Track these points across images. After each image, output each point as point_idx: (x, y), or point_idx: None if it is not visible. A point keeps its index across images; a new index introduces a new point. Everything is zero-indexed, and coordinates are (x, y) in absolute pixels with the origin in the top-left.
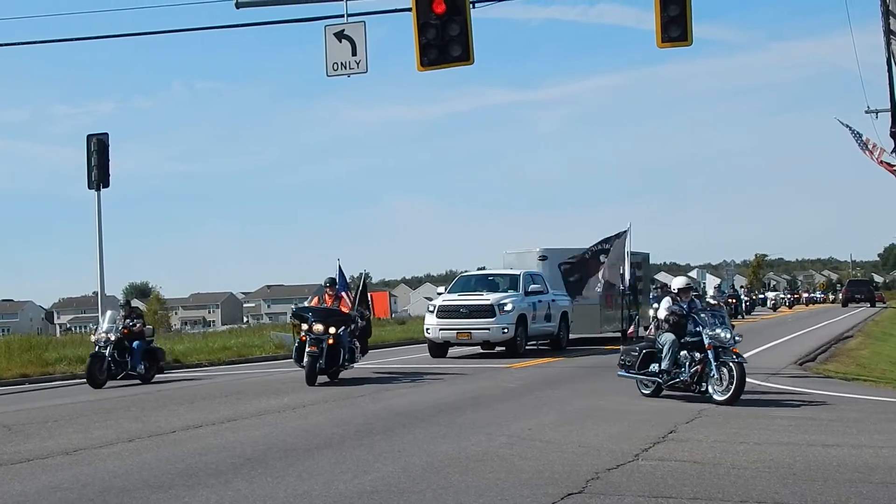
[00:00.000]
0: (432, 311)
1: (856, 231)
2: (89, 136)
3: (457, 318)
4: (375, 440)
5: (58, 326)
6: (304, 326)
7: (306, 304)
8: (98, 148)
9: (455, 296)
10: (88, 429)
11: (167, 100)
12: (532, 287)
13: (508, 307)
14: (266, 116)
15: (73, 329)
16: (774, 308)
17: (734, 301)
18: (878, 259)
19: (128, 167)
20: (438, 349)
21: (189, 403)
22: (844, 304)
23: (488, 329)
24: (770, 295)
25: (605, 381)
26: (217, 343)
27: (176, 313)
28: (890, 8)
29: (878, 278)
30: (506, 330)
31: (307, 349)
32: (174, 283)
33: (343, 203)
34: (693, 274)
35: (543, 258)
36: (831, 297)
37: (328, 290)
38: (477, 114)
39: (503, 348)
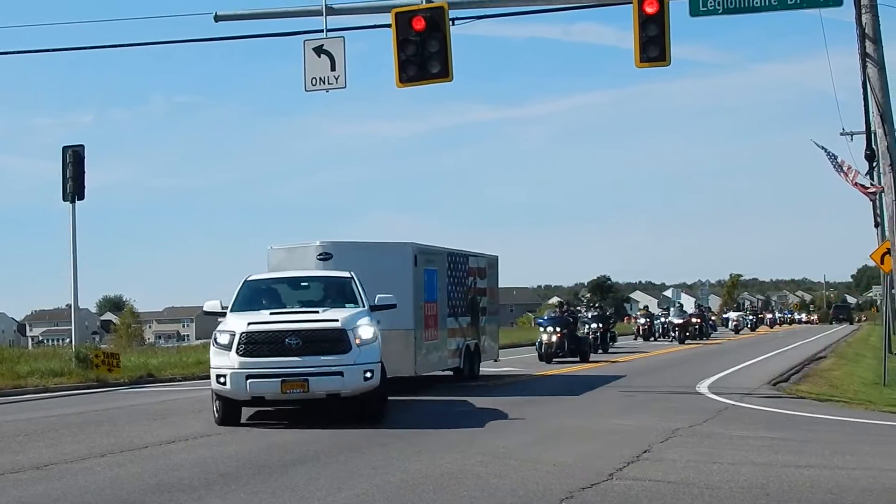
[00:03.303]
0: (226, 346)
1: (830, 252)
2: (65, 148)
3: (280, 354)
4: (350, 457)
5: (30, 339)
6: None
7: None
8: (73, 160)
9: (266, 314)
10: (60, 443)
11: (146, 113)
12: (381, 299)
13: (366, 333)
14: (245, 131)
15: (45, 342)
16: (737, 330)
17: (699, 321)
18: (850, 280)
19: (105, 179)
20: (233, 411)
21: (162, 419)
22: (830, 322)
23: (339, 374)
24: (732, 315)
25: (579, 401)
26: (191, 357)
27: (150, 327)
28: (866, 31)
29: (851, 299)
30: (369, 374)
31: None
32: (148, 296)
33: (324, 218)
34: (668, 293)
35: (326, 257)
36: (810, 317)
37: None
38: (459, 130)
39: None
